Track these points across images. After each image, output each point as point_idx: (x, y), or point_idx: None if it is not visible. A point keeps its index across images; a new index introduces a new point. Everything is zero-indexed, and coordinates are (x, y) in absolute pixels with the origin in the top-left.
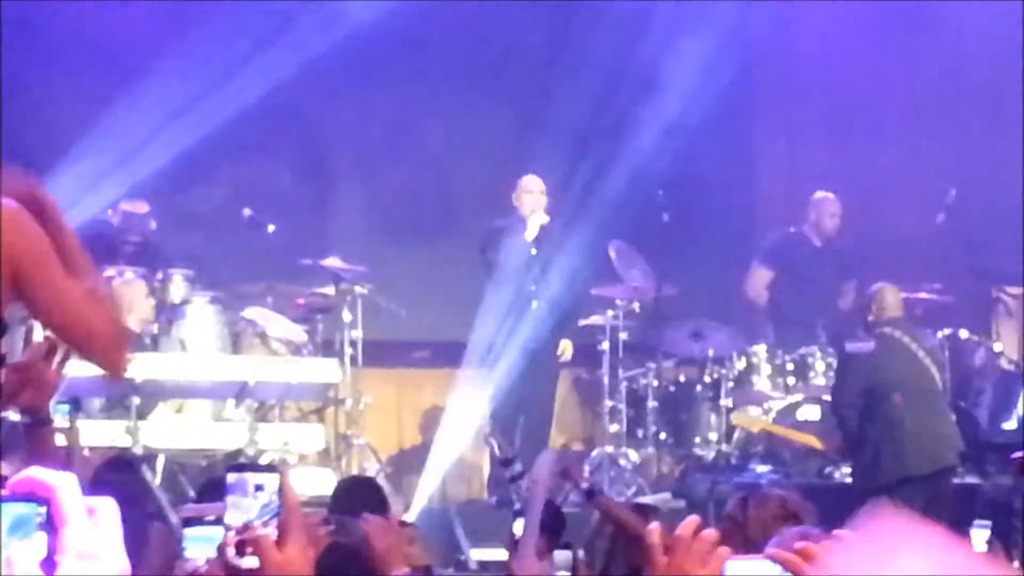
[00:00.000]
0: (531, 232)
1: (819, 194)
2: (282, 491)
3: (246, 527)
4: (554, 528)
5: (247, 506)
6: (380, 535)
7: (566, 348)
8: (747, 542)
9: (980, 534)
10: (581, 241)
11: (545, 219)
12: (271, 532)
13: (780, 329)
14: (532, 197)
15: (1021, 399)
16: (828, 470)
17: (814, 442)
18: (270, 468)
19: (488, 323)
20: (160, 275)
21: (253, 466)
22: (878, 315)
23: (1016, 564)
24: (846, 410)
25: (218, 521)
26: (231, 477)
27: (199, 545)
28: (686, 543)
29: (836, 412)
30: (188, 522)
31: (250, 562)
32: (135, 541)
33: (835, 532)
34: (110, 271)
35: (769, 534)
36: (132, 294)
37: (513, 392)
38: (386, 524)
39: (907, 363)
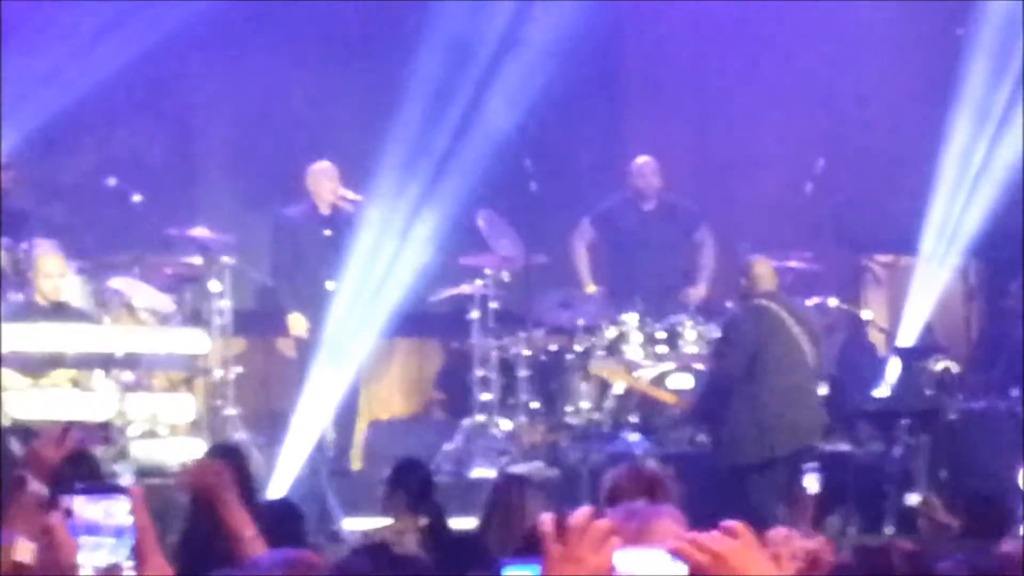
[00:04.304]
0: (326, 215)
1: (638, 159)
2: (134, 514)
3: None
4: (422, 493)
5: (100, 540)
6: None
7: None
8: None
9: (811, 478)
10: (448, 210)
11: (340, 202)
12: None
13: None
14: (329, 184)
15: (890, 367)
16: (700, 439)
17: (670, 398)
18: (118, 489)
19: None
20: (24, 245)
21: (100, 488)
22: (751, 287)
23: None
24: (726, 381)
25: None
26: (77, 505)
27: None
28: (579, 531)
29: (715, 382)
30: None
31: None
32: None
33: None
34: None
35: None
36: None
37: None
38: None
39: (780, 336)
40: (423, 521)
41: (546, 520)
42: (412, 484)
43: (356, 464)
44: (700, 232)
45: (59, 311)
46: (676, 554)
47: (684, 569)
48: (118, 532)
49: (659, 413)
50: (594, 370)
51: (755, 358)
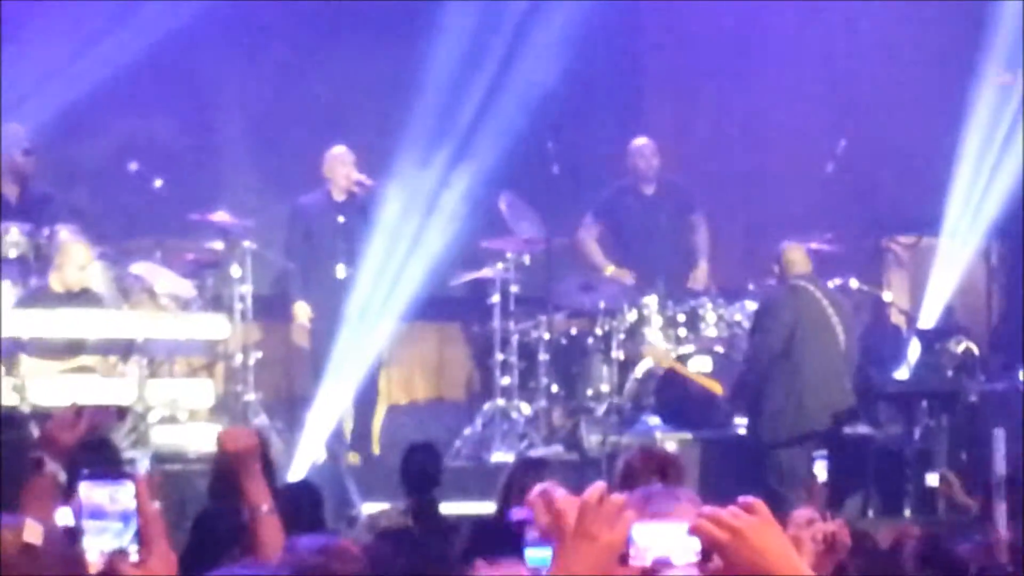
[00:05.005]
0: (340, 201)
1: (636, 141)
2: (138, 500)
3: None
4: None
5: (105, 524)
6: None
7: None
8: None
9: (820, 465)
10: (469, 193)
11: (354, 188)
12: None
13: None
14: (344, 169)
15: (911, 348)
16: (721, 422)
17: (716, 387)
18: (124, 475)
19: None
20: (46, 231)
21: (106, 474)
22: (785, 272)
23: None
24: (761, 360)
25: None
26: (83, 490)
27: None
28: (593, 507)
29: (751, 360)
30: None
31: None
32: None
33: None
34: None
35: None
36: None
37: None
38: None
39: (817, 316)
40: (405, 506)
41: (561, 498)
42: (411, 468)
43: (375, 449)
44: (696, 214)
45: (74, 298)
46: (694, 531)
47: (697, 544)
48: (124, 517)
49: (681, 397)
50: (647, 353)
51: (793, 335)
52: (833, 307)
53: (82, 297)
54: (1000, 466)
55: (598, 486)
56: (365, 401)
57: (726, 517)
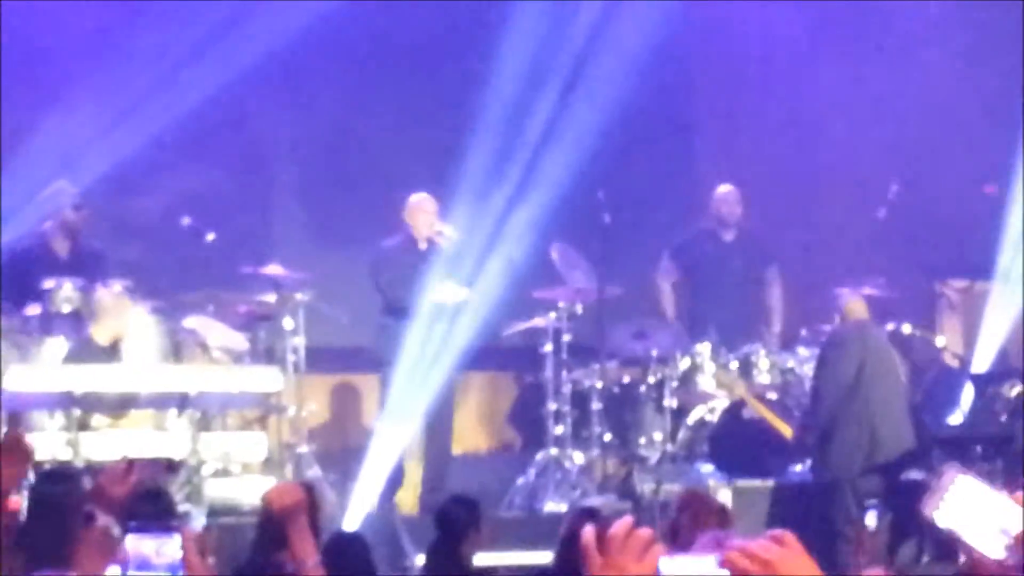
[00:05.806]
0: (423, 249)
1: (721, 188)
2: (184, 553)
3: None
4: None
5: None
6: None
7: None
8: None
9: (871, 515)
10: (523, 243)
11: (436, 237)
12: None
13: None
14: (426, 218)
15: (965, 393)
16: (774, 468)
17: (785, 429)
18: (171, 528)
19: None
20: (99, 286)
21: (153, 527)
22: (847, 319)
23: None
24: (830, 394)
25: None
26: (130, 542)
27: None
28: (620, 542)
29: (819, 395)
30: None
31: None
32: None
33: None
34: (49, 283)
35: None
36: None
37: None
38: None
39: (881, 355)
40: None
41: (587, 531)
42: (444, 518)
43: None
44: (771, 270)
45: (117, 351)
46: (724, 563)
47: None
48: (171, 568)
49: (732, 445)
50: (720, 378)
51: (861, 370)
52: (895, 349)
53: (118, 349)
54: None
55: (626, 519)
56: (437, 453)
57: (756, 549)
